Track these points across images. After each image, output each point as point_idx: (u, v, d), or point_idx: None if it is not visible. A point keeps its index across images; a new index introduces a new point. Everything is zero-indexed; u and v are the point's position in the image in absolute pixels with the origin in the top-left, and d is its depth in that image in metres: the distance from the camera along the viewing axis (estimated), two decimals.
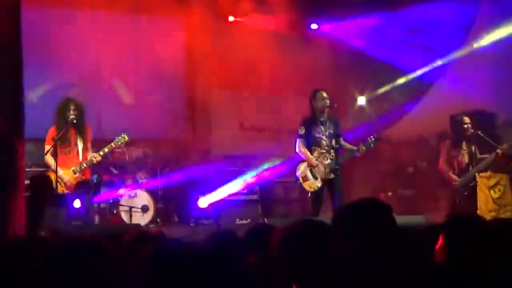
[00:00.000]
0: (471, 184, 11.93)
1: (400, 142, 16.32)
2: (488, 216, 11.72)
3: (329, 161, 10.58)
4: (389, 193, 15.10)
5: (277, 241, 3.40)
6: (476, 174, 12.21)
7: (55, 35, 13.66)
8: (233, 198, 13.69)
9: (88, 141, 10.47)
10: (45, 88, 13.52)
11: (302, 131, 10.71)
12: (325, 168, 10.55)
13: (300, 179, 10.74)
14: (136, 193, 12.64)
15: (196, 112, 15.64)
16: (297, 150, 10.80)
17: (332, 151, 10.60)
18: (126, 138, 10.58)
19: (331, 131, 10.67)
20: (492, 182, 12.37)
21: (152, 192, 12.87)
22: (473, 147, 11.93)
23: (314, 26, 16.76)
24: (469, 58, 15.35)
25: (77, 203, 10.34)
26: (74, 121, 10.19)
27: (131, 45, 14.38)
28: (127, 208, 12.42)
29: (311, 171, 10.64)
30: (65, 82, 13.61)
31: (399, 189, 15.03)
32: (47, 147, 10.18)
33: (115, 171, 13.12)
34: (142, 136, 14.07)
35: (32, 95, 13.07)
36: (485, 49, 15.01)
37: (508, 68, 14.72)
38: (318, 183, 10.60)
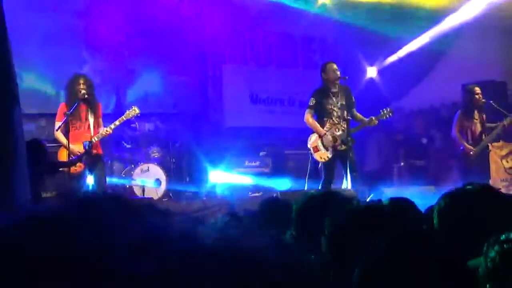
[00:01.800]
0: (485, 153, 11.90)
1: (412, 112, 16.31)
2: (500, 186, 11.74)
3: (340, 132, 10.60)
4: (402, 164, 15.09)
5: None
6: (489, 144, 12.21)
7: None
8: (245, 171, 13.75)
9: (99, 116, 10.48)
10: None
11: (312, 102, 10.77)
12: (336, 139, 10.57)
13: (311, 149, 10.79)
14: (148, 167, 12.67)
15: (208, 85, 15.63)
16: (305, 120, 10.86)
17: (343, 122, 10.62)
18: (137, 110, 10.60)
19: (343, 102, 10.70)
20: (504, 151, 12.37)
21: (164, 166, 12.89)
22: (484, 116, 11.89)
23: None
24: (479, 26, 15.28)
25: (90, 179, 10.38)
26: (86, 96, 10.20)
27: (141, 19, 14.34)
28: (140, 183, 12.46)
29: (322, 141, 10.66)
30: (76, 56, 13.62)
31: (412, 159, 15.01)
32: (58, 123, 10.21)
33: (127, 146, 13.13)
34: (154, 110, 14.11)
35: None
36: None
37: None
38: (329, 154, 10.63)
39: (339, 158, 10.67)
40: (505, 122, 11.68)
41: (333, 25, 16.67)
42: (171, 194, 12.92)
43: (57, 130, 10.25)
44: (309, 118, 10.77)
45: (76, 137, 10.21)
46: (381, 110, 10.87)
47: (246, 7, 15.36)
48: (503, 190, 10.78)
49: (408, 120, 16.04)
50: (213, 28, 15.15)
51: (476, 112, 11.92)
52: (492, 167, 12.12)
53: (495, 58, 14.77)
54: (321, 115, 10.74)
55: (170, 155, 13.51)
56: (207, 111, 15.52)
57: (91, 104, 10.34)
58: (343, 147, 10.52)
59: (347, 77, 11.01)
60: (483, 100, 11.85)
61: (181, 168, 13.79)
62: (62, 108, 10.27)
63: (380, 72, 16.72)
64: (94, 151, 10.35)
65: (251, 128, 15.16)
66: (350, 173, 10.39)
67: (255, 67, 16.00)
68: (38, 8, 13.31)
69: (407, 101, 16.33)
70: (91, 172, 10.32)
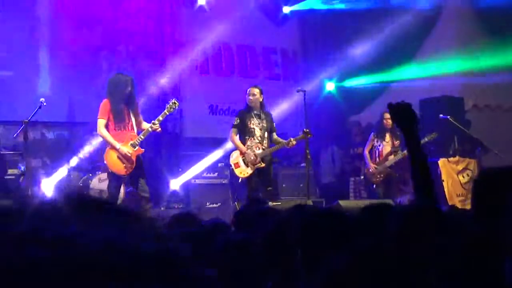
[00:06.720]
0: (388, 175, 12.45)
1: (370, 126, 16.43)
2: (456, 200, 11.91)
3: (260, 151, 11.23)
4: (362, 177, 15.19)
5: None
6: (445, 159, 12.44)
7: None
8: (203, 182, 13.74)
9: (138, 114, 10.32)
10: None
11: (236, 121, 11.40)
12: (256, 157, 11.14)
13: (232, 165, 11.44)
14: (106, 177, 12.61)
15: (167, 94, 15.60)
16: (229, 138, 11.59)
17: (264, 142, 11.30)
18: (177, 103, 10.55)
19: (265, 125, 11.33)
20: (460, 167, 12.55)
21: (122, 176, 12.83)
22: (395, 140, 12.44)
23: (286, 9, 16.86)
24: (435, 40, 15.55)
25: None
26: (130, 97, 10.10)
27: (102, 24, 14.29)
28: (97, 192, 12.38)
29: (243, 159, 11.27)
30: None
31: None
32: (103, 121, 9.95)
33: (86, 155, 13.05)
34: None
35: None
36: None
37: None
38: (249, 170, 11.25)
39: (258, 174, 11.29)
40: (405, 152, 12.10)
41: (293, 38, 16.81)
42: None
43: (100, 129, 9.99)
44: (233, 136, 11.41)
45: (121, 138, 10.03)
46: (300, 132, 11.33)
47: (206, 17, 15.43)
48: (458, 205, 10.99)
49: (366, 134, 16.18)
50: (173, 37, 15.18)
51: (388, 134, 12.54)
52: (448, 181, 12.30)
53: (453, 73, 14.97)
54: (244, 133, 11.34)
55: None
56: (166, 120, 15.46)
57: (132, 104, 10.22)
58: (262, 164, 11.18)
59: (305, 90, 11.78)
60: (390, 126, 12.29)
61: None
62: (105, 105, 10.00)
63: (338, 86, 16.90)
64: (142, 149, 10.20)
65: (210, 139, 15.16)
66: (265, 187, 11.23)
67: (215, 77, 16.04)
68: None
69: (365, 115, 16.45)
70: (137, 173, 10.21)
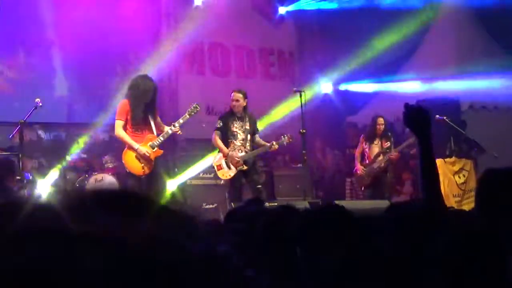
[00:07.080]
0: (377, 177, 12.65)
1: (366, 127, 16.44)
2: (453, 201, 11.93)
3: (243, 153, 11.35)
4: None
5: None
6: (441, 160, 12.45)
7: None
8: (199, 182, 13.73)
9: (157, 117, 10.33)
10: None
11: (218, 124, 11.52)
12: (238, 159, 11.24)
13: (215, 167, 11.59)
14: (102, 177, 12.59)
15: (164, 96, 15.58)
16: (212, 141, 11.61)
17: (247, 144, 11.40)
18: (198, 107, 10.63)
19: (247, 127, 11.43)
20: (456, 167, 12.57)
21: (118, 177, 12.81)
22: (386, 143, 12.75)
23: (281, 9, 16.88)
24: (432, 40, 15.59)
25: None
26: (151, 100, 10.13)
27: (100, 26, 14.29)
28: None
29: (226, 161, 11.38)
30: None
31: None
32: (121, 122, 9.98)
33: (83, 156, 13.04)
34: (108, 119, 14.02)
35: None
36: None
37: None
38: (231, 173, 11.36)
39: (242, 177, 11.41)
40: (392, 155, 12.55)
41: (290, 38, 16.82)
42: None
43: (118, 130, 10.05)
44: (216, 139, 11.49)
45: (139, 139, 10.07)
46: (282, 136, 11.59)
47: (203, 17, 15.42)
48: (454, 206, 11.02)
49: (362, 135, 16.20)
50: (170, 37, 15.17)
51: (378, 139, 12.84)
52: (445, 182, 12.30)
53: (450, 74, 14.99)
54: (227, 136, 11.44)
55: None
56: (162, 121, 15.45)
57: (152, 107, 10.21)
58: (245, 167, 11.29)
59: (302, 91, 11.90)
60: (383, 130, 12.73)
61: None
62: (125, 105, 10.04)
63: (335, 87, 16.91)
64: (161, 151, 10.24)
65: (206, 140, 15.16)
66: (254, 187, 11.30)
67: (212, 78, 16.03)
68: None
69: (361, 116, 16.47)
70: (155, 174, 10.21)
